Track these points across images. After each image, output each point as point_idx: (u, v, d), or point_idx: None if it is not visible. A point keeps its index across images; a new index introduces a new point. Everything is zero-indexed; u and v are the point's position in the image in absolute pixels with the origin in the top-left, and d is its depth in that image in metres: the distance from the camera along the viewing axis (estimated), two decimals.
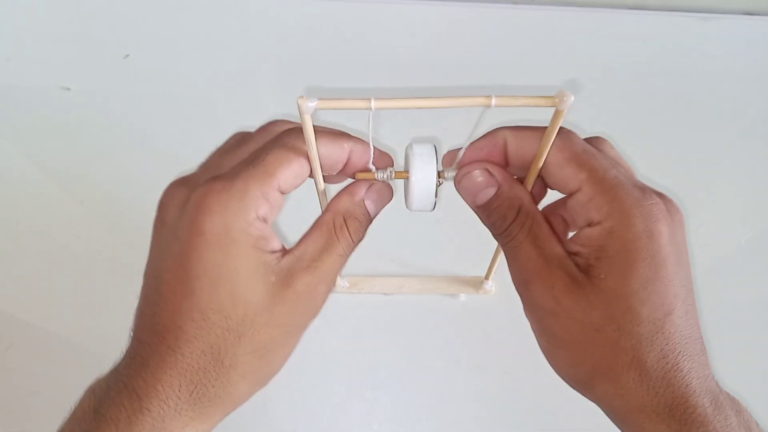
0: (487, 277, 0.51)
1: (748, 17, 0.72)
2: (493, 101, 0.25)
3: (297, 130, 0.30)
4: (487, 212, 0.31)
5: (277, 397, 0.48)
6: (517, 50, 0.70)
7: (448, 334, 0.52)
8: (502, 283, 0.52)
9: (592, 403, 0.30)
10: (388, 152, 0.33)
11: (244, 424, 0.47)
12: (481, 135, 0.31)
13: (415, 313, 0.53)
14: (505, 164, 0.31)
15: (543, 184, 0.32)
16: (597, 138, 0.32)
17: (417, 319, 0.52)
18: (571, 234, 0.31)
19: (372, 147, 0.31)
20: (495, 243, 0.43)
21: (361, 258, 0.53)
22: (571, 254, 0.29)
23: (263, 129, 0.32)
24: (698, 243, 0.55)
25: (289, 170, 0.29)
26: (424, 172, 0.31)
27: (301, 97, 0.25)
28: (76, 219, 0.57)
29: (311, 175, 0.32)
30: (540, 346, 0.31)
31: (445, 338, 0.52)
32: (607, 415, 0.29)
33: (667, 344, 0.26)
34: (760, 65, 0.70)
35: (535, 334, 0.31)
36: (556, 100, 0.26)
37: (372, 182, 0.32)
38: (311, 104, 0.25)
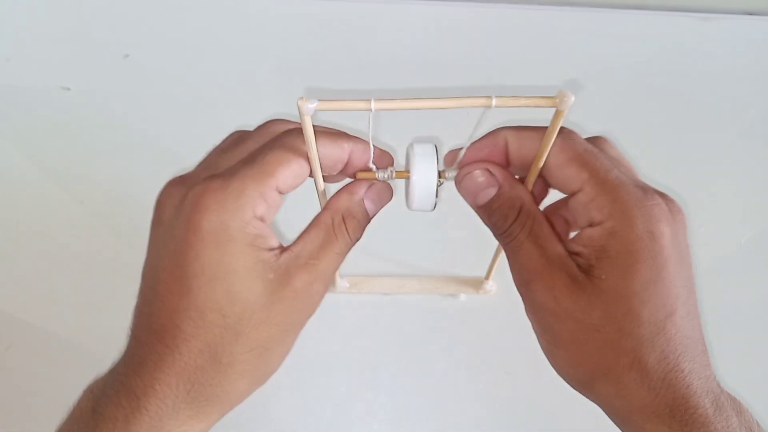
0: (487, 277, 0.51)
1: (748, 17, 0.72)
2: (494, 102, 0.25)
3: (296, 131, 0.30)
4: (488, 212, 0.31)
5: (277, 397, 0.48)
6: (518, 50, 0.70)
7: (448, 334, 0.52)
8: (502, 283, 0.52)
9: (593, 403, 0.30)
10: (388, 151, 0.33)
11: (245, 424, 0.47)
12: (482, 135, 0.31)
13: (415, 313, 0.53)
14: (506, 164, 0.31)
15: (545, 184, 0.32)
16: (599, 138, 0.32)
17: (417, 319, 0.52)
18: (572, 234, 0.31)
19: (372, 147, 0.31)
20: (495, 243, 0.43)
21: (361, 258, 0.53)
22: (572, 254, 0.29)
23: (262, 128, 0.32)
24: (698, 243, 0.55)
25: (288, 170, 0.29)
26: (424, 171, 0.31)
27: (301, 98, 0.25)
28: (76, 219, 0.57)
29: (311, 175, 0.32)
30: (541, 346, 0.31)
31: (445, 338, 0.52)
32: (608, 415, 0.29)
33: (668, 345, 0.26)
34: (760, 65, 0.70)
35: (537, 334, 0.31)
36: (557, 100, 0.25)
37: (372, 182, 0.32)
38: (311, 105, 0.25)
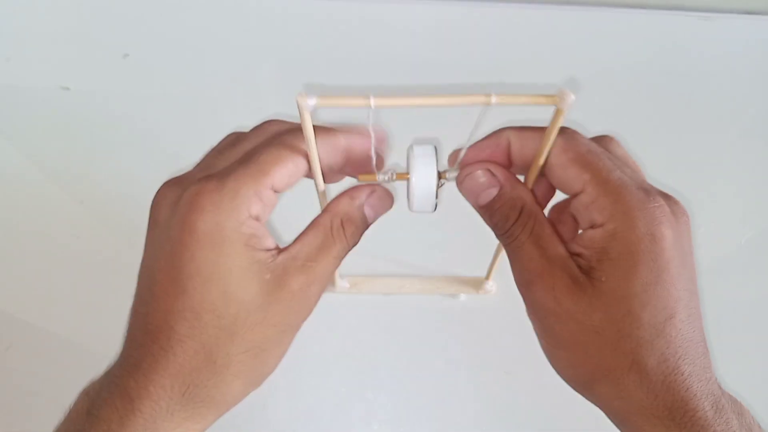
0: (487, 277, 0.51)
1: (749, 16, 0.72)
2: (494, 99, 0.25)
3: (292, 129, 0.30)
4: (489, 213, 0.31)
5: (276, 397, 0.48)
6: (518, 49, 0.70)
7: (448, 334, 0.52)
8: (502, 283, 0.52)
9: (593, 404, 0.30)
10: (386, 138, 0.32)
11: (244, 424, 0.47)
12: (485, 135, 0.31)
13: (415, 313, 0.53)
14: (508, 165, 0.31)
15: (550, 184, 0.32)
16: (604, 137, 0.32)
17: (417, 319, 0.52)
18: (580, 232, 0.31)
19: (372, 138, 0.30)
20: (495, 243, 0.43)
21: (361, 258, 0.53)
22: (573, 255, 0.29)
23: (258, 128, 0.32)
24: (698, 243, 0.55)
25: (284, 169, 0.29)
26: (424, 173, 0.31)
27: (301, 94, 0.25)
28: (76, 219, 0.57)
29: (307, 175, 0.32)
30: (541, 347, 0.31)
31: (445, 338, 0.52)
32: (608, 416, 0.29)
33: (668, 348, 0.26)
34: (760, 65, 0.70)
35: (537, 335, 0.31)
36: (557, 98, 0.25)
37: (374, 188, 0.32)
38: (311, 102, 0.25)
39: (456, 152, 0.32)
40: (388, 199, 0.33)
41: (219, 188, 0.27)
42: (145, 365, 0.26)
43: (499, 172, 0.31)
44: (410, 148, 0.32)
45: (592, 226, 0.28)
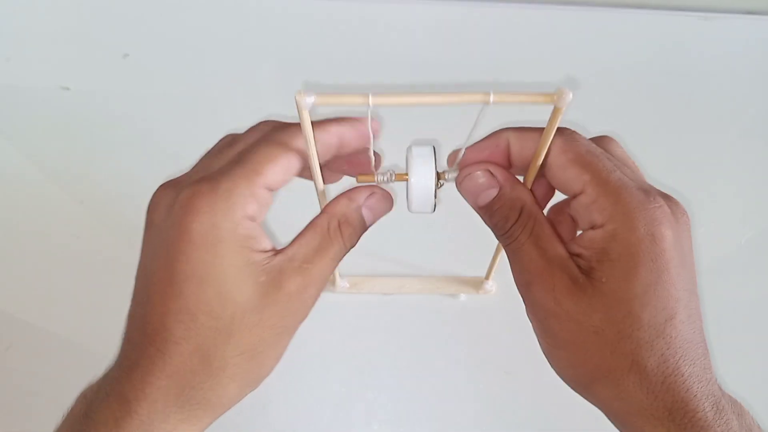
0: (487, 277, 0.51)
1: (749, 17, 0.72)
2: (492, 98, 0.25)
3: (284, 126, 0.30)
4: (489, 213, 0.31)
5: (276, 397, 0.48)
6: (518, 49, 0.70)
7: (448, 334, 0.52)
8: (502, 283, 0.52)
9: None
10: (379, 129, 0.32)
11: (244, 424, 0.47)
12: (484, 136, 0.31)
13: (415, 313, 0.53)
14: (507, 165, 0.31)
15: (550, 185, 0.32)
16: (604, 137, 0.32)
17: (417, 319, 0.52)
18: (579, 232, 0.31)
19: (369, 127, 0.30)
20: (495, 243, 0.43)
21: (361, 258, 0.53)
22: (573, 256, 0.29)
23: (252, 129, 0.31)
24: (698, 243, 0.55)
25: (277, 167, 0.29)
26: (422, 174, 0.31)
27: (299, 92, 0.25)
28: (76, 219, 0.57)
29: (301, 175, 0.32)
30: (541, 347, 0.31)
31: (445, 338, 0.52)
32: (608, 417, 0.29)
33: (668, 349, 0.26)
34: (761, 65, 0.70)
35: (537, 335, 0.31)
36: (555, 97, 0.25)
37: (372, 191, 0.32)
38: (309, 99, 0.25)
39: (455, 152, 0.32)
40: (388, 202, 0.32)
41: (213, 189, 0.27)
42: (141, 367, 0.26)
43: (499, 173, 0.31)
44: (409, 149, 0.32)
45: (592, 227, 0.28)
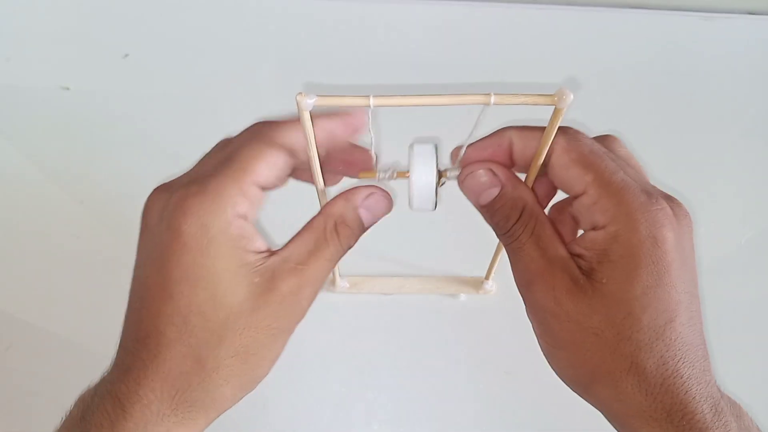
0: (487, 277, 0.51)
1: (750, 17, 0.72)
2: (493, 99, 0.25)
3: (271, 123, 0.30)
4: (490, 212, 0.31)
5: (276, 397, 0.48)
6: (518, 50, 0.70)
7: (448, 334, 0.52)
8: (502, 283, 0.52)
9: None
10: (371, 139, 0.32)
11: (244, 424, 0.47)
12: (487, 134, 0.31)
13: (415, 313, 0.53)
14: (510, 164, 0.31)
15: (552, 184, 0.32)
16: (608, 137, 0.31)
17: (417, 319, 0.52)
18: (580, 232, 0.31)
19: (371, 131, 0.30)
20: (495, 243, 0.43)
21: (361, 258, 0.53)
22: (574, 256, 0.29)
23: (243, 131, 0.31)
24: (698, 243, 0.55)
25: (264, 163, 0.28)
26: (423, 171, 0.31)
27: (300, 93, 0.25)
28: (76, 219, 0.57)
29: (298, 177, 0.32)
30: (541, 347, 0.31)
31: (445, 338, 0.52)
32: (606, 418, 0.29)
33: (667, 351, 0.26)
34: (761, 65, 0.70)
35: (536, 335, 0.31)
36: (555, 98, 0.25)
37: (372, 191, 0.31)
38: (310, 101, 0.25)
39: (457, 150, 0.32)
40: (387, 202, 0.32)
41: (202, 190, 0.27)
42: (135, 370, 0.27)
43: (501, 172, 0.31)
44: (411, 146, 0.32)
45: (594, 228, 0.28)
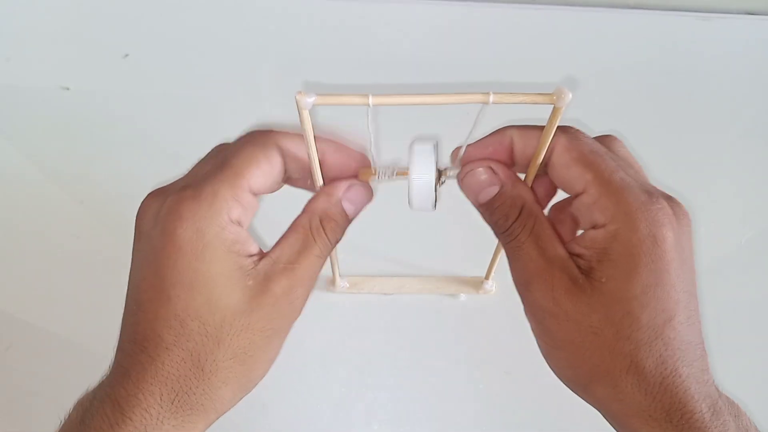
0: (487, 277, 0.51)
1: (749, 17, 0.72)
2: (491, 98, 0.25)
3: (267, 130, 0.30)
4: (489, 211, 0.31)
5: (276, 397, 0.48)
6: (518, 50, 0.70)
7: (448, 334, 0.52)
8: (502, 283, 0.52)
9: None
10: (363, 153, 0.32)
11: (244, 424, 0.47)
12: (487, 133, 0.31)
13: (415, 313, 0.53)
14: (510, 163, 0.31)
15: (552, 183, 0.32)
16: (608, 137, 0.32)
17: (417, 319, 0.52)
18: (580, 232, 0.31)
19: (371, 147, 0.31)
20: (495, 243, 0.43)
21: (361, 258, 0.53)
22: (573, 256, 0.29)
23: (240, 136, 0.32)
24: (698, 243, 0.55)
25: (258, 169, 0.29)
26: (423, 170, 0.31)
27: (299, 92, 0.25)
28: (76, 219, 0.57)
29: (294, 183, 0.32)
30: (539, 347, 0.31)
31: (445, 338, 0.52)
32: (605, 418, 0.29)
33: (666, 350, 0.26)
34: (760, 65, 0.70)
35: (535, 335, 0.31)
36: (554, 97, 0.25)
37: (351, 183, 0.32)
38: (309, 100, 0.25)
39: (458, 149, 0.32)
40: (367, 192, 0.32)
41: (197, 195, 0.27)
42: (134, 374, 0.27)
43: (501, 170, 0.31)
44: (411, 145, 0.32)
45: (594, 227, 0.28)
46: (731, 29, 0.72)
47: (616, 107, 0.65)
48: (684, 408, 0.25)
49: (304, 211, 0.31)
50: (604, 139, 0.31)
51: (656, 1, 0.71)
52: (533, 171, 0.30)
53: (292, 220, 0.31)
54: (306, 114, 0.26)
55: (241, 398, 0.30)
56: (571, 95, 0.25)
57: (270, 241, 0.31)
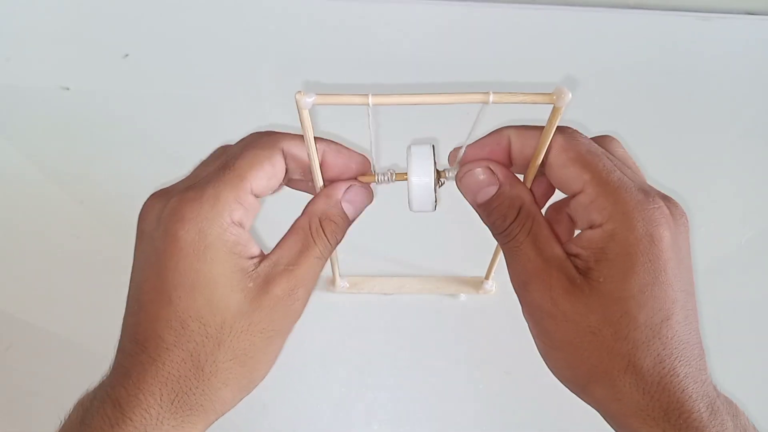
0: (487, 277, 0.51)
1: (748, 17, 0.72)
2: (491, 98, 0.25)
3: (269, 133, 0.30)
4: (487, 211, 0.31)
5: (277, 397, 0.48)
6: (518, 50, 0.70)
7: (448, 334, 0.52)
8: (502, 283, 0.52)
9: None
10: (363, 155, 0.33)
11: (244, 424, 0.47)
12: (486, 134, 0.31)
13: (415, 313, 0.53)
14: (508, 163, 0.31)
15: (550, 183, 0.32)
16: (605, 137, 0.32)
17: (417, 319, 0.52)
18: (577, 232, 0.31)
19: (369, 152, 0.31)
20: (495, 243, 0.43)
21: (361, 258, 0.53)
22: (570, 256, 0.29)
23: (242, 139, 0.32)
24: (698, 243, 0.55)
25: (261, 172, 0.29)
26: (422, 172, 0.31)
27: (299, 92, 0.25)
28: (76, 219, 0.57)
29: (294, 186, 0.32)
30: (537, 347, 0.31)
31: (445, 338, 0.52)
32: (604, 418, 0.29)
33: (663, 349, 0.26)
34: (761, 65, 0.70)
35: (533, 336, 0.31)
36: (554, 97, 0.25)
37: (350, 184, 0.32)
38: (309, 99, 0.25)
39: (456, 150, 0.32)
40: (367, 193, 0.33)
41: (199, 197, 0.27)
42: (134, 374, 0.27)
43: (499, 171, 0.31)
44: (408, 148, 0.32)
45: (591, 227, 0.28)
46: (731, 29, 0.72)
47: (615, 107, 0.65)
48: (682, 407, 0.25)
49: (304, 212, 0.31)
50: (601, 140, 0.31)
51: (656, 1, 0.71)
52: (533, 171, 0.30)
53: (293, 221, 0.31)
54: (306, 114, 0.27)
55: (241, 399, 0.30)
56: (570, 95, 0.25)
57: (270, 242, 0.31)
